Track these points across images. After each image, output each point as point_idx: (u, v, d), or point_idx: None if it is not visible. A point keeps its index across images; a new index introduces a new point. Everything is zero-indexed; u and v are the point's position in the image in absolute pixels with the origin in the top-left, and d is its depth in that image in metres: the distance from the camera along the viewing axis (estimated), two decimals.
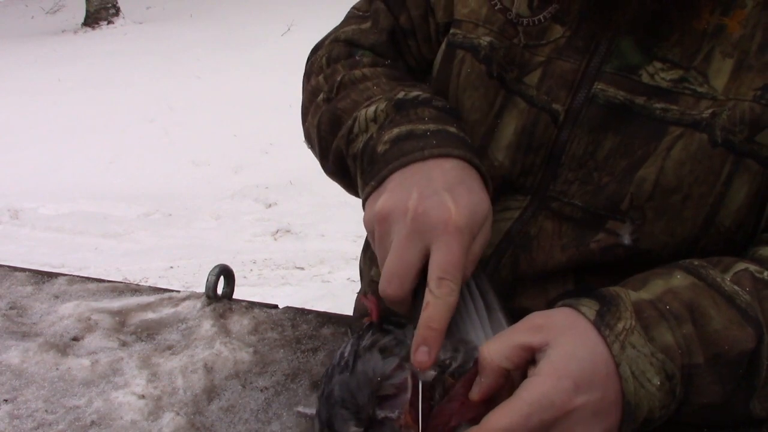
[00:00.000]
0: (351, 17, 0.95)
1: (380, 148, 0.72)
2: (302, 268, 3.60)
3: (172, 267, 3.62)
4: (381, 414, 0.58)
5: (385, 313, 0.67)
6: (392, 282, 0.64)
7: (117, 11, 9.93)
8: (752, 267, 0.66)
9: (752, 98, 0.71)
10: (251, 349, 0.82)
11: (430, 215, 0.64)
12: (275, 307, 0.93)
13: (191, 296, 0.94)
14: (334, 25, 0.98)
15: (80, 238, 4.12)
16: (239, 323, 0.87)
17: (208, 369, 0.78)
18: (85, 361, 0.80)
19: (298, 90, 0.96)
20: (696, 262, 0.67)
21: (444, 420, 0.58)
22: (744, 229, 0.75)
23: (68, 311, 0.89)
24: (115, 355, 0.81)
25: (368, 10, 0.93)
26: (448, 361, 0.61)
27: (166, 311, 0.92)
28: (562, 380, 0.55)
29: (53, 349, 0.82)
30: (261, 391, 0.75)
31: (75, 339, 0.85)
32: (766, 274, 0.66)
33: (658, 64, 0.73)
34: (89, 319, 0.88)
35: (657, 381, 0.59)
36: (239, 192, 4.66)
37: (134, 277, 3.43)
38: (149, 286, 1.00)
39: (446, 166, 0.69)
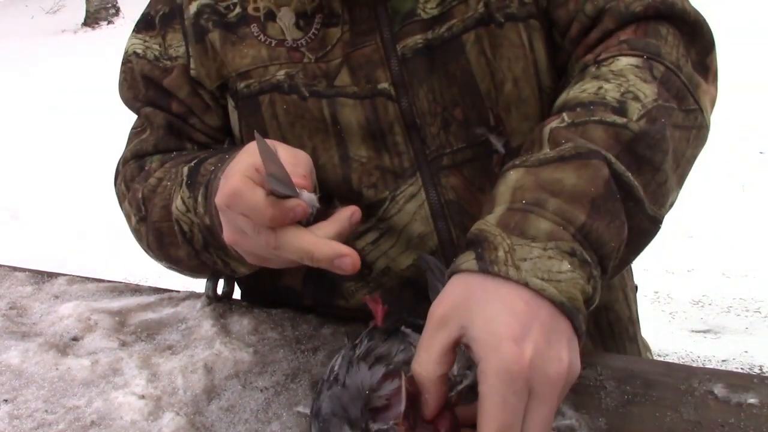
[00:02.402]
0: (131, 136, 0.95)
1: (207, 220, 0.74)
2: None
3: None
4: (374, 427, 0.58)
5: (389, 316, 0.67)
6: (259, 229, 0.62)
7: (117, 11, 9.94)
8: (553, 123, 0.70)
9: None
10: (251, 349, 0.82)
11: (224, 195, 0.63)
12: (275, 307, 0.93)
13: (191, 296, 0.94)
14: None
15: (80, 238, 4.12)
16: (239, 323, 0.87)
17: (208, 369, 0.78)
18: (85, 361, 0.80)
19: None
20: (514, 161, 0.69)
21: None
22: (556, 85, 0.83)
23: (68, 311, 0.89)
24: (115, 355, 0.81)
25: (143, 122, 0.93)
26: (458, 379, 0.60)
27: (166, 311, 0.92)
28: (501, 347, 0.54)
29: (53, 349, 0.82)
30: (261, 391, 0.75)
31: (75, 339, 0.85)
32: (564, 116, 0.71)
33: (422, 1, 0.81)
34: (89, 319, 0.88)
35: (566, 265, 0.58)
36: None
37: (134, 277, 3.43)
38: (149, 286, 1.00)
39: (238, 154, 0.68)
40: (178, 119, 0.90)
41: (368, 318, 0.68)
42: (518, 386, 0.53)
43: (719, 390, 0.70)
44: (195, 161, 0.80)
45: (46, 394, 0.75)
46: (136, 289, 0.98)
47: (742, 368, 2.43)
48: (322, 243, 0.62)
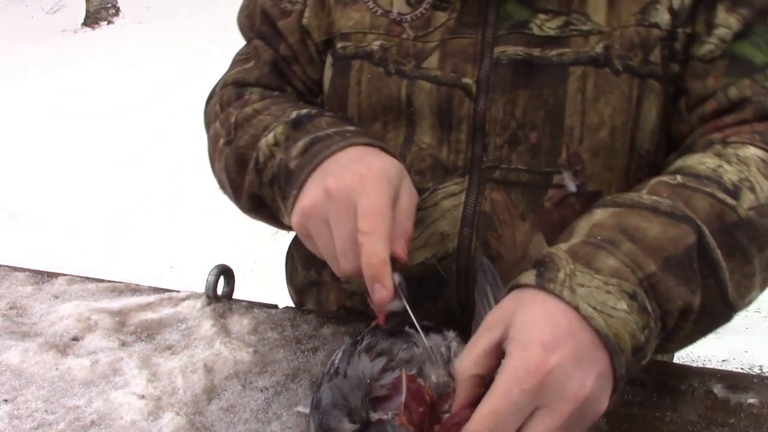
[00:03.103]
0: (235, 62, 0.98)
1: (292, 164, 0.76)
2: None
3: (172, 267, 3.62)
4: (375, 416, 0.58)
5: (392, 317, 0.67)
6: (346, 257, 0.66)
7: (117, 11, 9.93)
8: (664, 177, 0.70)
9: (635, 23, 0.78)
10: (251, 349, 0.82)
11: (347, 184, 0.67)
12: (275, 307, 0.93)
13: (191, 296, 0.94)
14: None
15: (80, 238, 4.12)
16: (239, 323, 0.87)
17: (208, 369, 0.78)
18: (85, 361, 0.80)
19: None
20: (609, 196, 0.69)
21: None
22: (661, 151, 0.81)
23: (68, 311, 0.89)
24: (115, 355, 0.81)
25: (249, 51, 0.96)
26: None
27: (166, 311, 0.92)
28: (528, 348, 0.55)
29: (53, 349, 0.82)
30: (261, 391, 0.75)
31: (75, 339, 0.85)
32: (678, 177, 0.69)
33: (543, 16, 0.80)
34: (89, 319, 0.88)
35: (623, 305, 0.58)
36: None
37: (134, 277, 3.43)
38: (149, 286, 1.00)
39: (352, 150, 0.73)
40: (284, 61, 0.92)
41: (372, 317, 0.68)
42: (528, 385, 0.53)
43: (719, 390, 0.70)
44: (307, 111, 0.82)
45: (46, 394, 0.75)
46: (136, 289, 0.98)
47: (742, 368, 2.43)
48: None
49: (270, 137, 0.80)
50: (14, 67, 8.02)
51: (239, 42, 0.98)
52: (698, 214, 0.65)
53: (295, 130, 0.79)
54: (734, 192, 0.68)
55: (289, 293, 1.09)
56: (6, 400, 0.74)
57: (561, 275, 0.59)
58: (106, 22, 9.81)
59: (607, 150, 0.79)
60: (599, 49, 0.78)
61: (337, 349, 0.66)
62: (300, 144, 0.76)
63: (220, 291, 0.93)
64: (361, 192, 0.66)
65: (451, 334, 0.65)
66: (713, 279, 0.64)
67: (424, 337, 0.64)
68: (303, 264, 1.00)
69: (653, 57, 0.78)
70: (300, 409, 0.71)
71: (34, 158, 5.43)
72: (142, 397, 0.74)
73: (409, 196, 0.71)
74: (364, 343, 0.64)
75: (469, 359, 0.58)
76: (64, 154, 5.48)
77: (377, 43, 0.84)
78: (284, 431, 0.69)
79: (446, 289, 0.84)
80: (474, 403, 0.56)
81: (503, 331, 0.57)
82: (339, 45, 0.87)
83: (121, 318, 0.90)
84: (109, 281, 1.01)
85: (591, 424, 0.57)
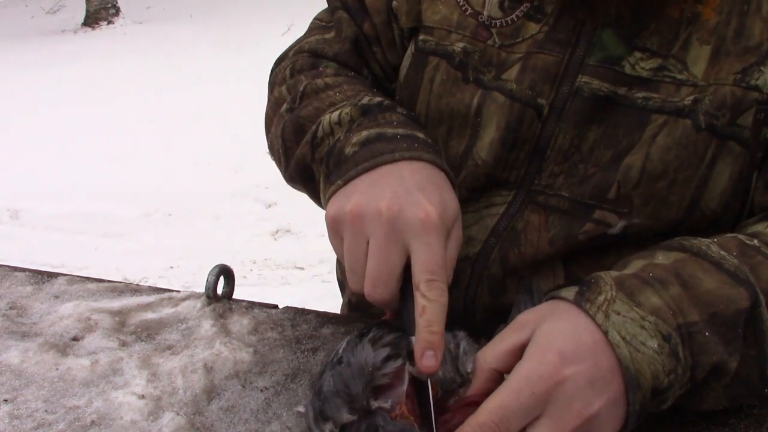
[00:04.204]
0: (314, 27, 0.95)
1: (348, 150, 0.73)
2: (302, 268, 3.60)
3: (172, 267, 3.62)
4: (375, 404, 0.58)
5: (399, 314, 0.67)
6: (378, 285, 0.65)
7: (117, 11, 9.93)
8: (741, 236, 0.67)
9: (732, 82, 0.72)
10: (251, 349, 0.82)
11: (406, 214, 0.64)
12: (275, 307, 0.93)
13: (191, 296, 0.94)
14: None
15: (80, 238, 4.12)
16: (239, 323, 0.87)
17: (208, 369, 0.78)
18: (85, 361, 0.80)
19: None
20: (678, 238, 0.67)
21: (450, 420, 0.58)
22: (730, 213, 0.76)
23: (68, 311, 0.89)
24: (115, 355, 0.81)
25: (331, 20, 0.93)
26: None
27: (166, 311, 0.92)
28: (547, 354, 0.55)
29: (53, 349, 0.82)
30: (261, 391, 0.75)
31: (75, 339, 0.85)
32: (756, 241, 0.66)
33: (638, 54, 0.74)
34: (89, 319, 0.88)
35: (654, 344, 0.57)
36: (239, 192, 4.66)
37: (134, 277, 3.43)
38: (149, 286, 1.00)
39: (416, 167, 0.69)
40: (366, 40, 0.90)
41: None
42: (539, 390, 0.54)
43: None
44: (380, 100, 0.79)
45: (46, 394, 0.75)
46: (136, 289, 0.98)
47: None
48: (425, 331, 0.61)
49: (335, 115, 0.78)
50: (14, 66, 8.02)
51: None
52: (760, 283, 0.63)
53: (362, 116, 0.76)
54: None
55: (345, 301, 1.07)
56: (6, 400, 0.74)
57: (600, 298, 0.59)
58: (106, 22, 9.81)
59: (660, 201, 0.75)
60: (688, 101, 0.73)
61: (342, 340, 0.66)
62: (364, 134, 0.73)
63: (220, 291, 0.93)
64: (421, 238, 0.63)
65: (461, 333, 0.65)
66: (755, 350, 0.62)
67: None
68: None
69: (742, 120, 0.72)
70: (300, 409, 0.71)
71: (34, 158, 5.43)
72: (142, 397, 0.74)
73: (457, 244, 0.68)
74: (371, 335, 0.64)
75: (492, 352, 0.59)
76: (63, 154, 5.48)
77: (460, 44, 0.81)
78: (284, 431, 0.69)
79: (455, 291, 0.83)
80: (486, 395, 0.57)
81: (530, 333, 0.58)
82: (421, 37, 0.83)
83: (121, 318, 0.90)
84: (109, 281, 1.01)
85: None
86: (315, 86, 0.84)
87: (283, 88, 0.89)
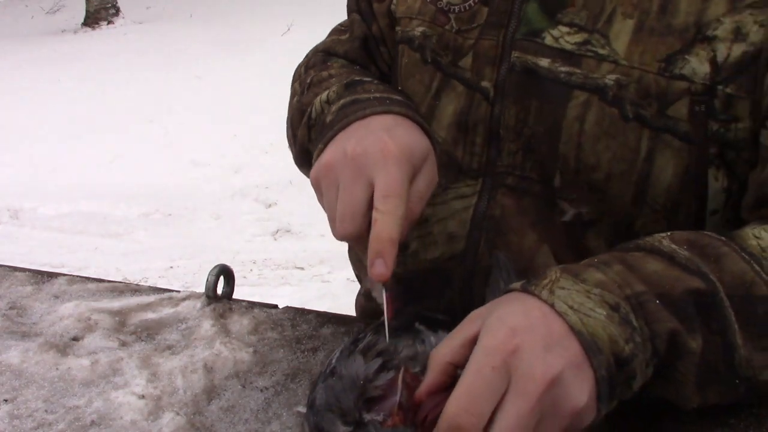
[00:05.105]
0: (333, 31, 1.02)
1: (328, 119, 0.78)
2: (302, 268, 3.60)
3: (172, 267, 3.62)
4: (367, 417, 0.58)
5: (400, 313, 0.67)
6: (344, 220, 0.67)
7: (117, 11, 9.93)
8: (708, 232, 0.66)
9: (657, 70, 0.71)
10: (251, 349, 0.82)
11: (368, 151, 0.67)
12: (275, 307, 0.93)
13: (191, 296, 0.94)
14: (334, 24, 1.05)
15: (80, 238, 4.12)
16: (239, 323, 0.87)
17: (208, 369, 0.78)
18: (85, 361, 0.80)
19: None
20: (635, 240, 0.66)
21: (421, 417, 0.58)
22: (683, 210, 0.74)
23: (68, 311, 0.89)
24: (115, 355, 0.81)
25: (346, 25, 1.00)
26: None
27: (166, 311, 0.92)
28: (498, 330, 0.55)
29: (53, 349, 0.82)
30: (261, 391, 0.75)
31: (75, 339, 0.85)
32: (724, 238, 0.65)
33: (564, 29, 0.75)
34: (89, 319, 0.88)
35: (602, 311, 0.57)
36: (239, 192, 4.66)
37: (134, 277, 3.42)
38: (149, 286, 1.00)
39: (385, 118, 0.73)
40: (374, 40, 0.96)
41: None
42: (497, 362, 0.53)
43: None
44: (369, 79, 0.85)
45: (46, 394, 0.75)
46: (136, 289, 0.98)
47: None
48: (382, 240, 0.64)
49: (324, 95, 0.83)
50: (14, 66, 8.02)
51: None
52: (723, 274, 0.62)
53: (345, 90, 0.81)
54: None
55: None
56: (6, 400, 0.74)
57: (545, 281, 0.59)
58: (106, 22, 9.81)
59: (603, 193, 0.75)
60: (609, 80, 0.72)
61: (336, 349, 0.66)
62: (341, 102, 0.78)
63: (220, 291, 0.93)
64: (381, 166, 0.66)
65: (443, 333, 0.65)
66: (720, 337, 0.61)
67: (431, 335, 0.64)
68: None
69: (673, 111, 0.71)
70: (300, 409, 0.71)
71: (34, 158, 5.43)
72: (142, 397, 0.74)
73: (427, 180, 0.70)
74: (364, 342, 0.64)
75: (446, 346, 0.58)
76: (63, 154, 5.48)
77: (420, 29, 0.85)
78: (284, 431, 0.69)
79: (449, 291, 0.84)
80: (441, 389, 0.57)
81: (481, 324, 0.57)
82: (397, 29, 0.89)
83: (121, 318, 0.90)
84: (109, 281, 1.01)
85: (572, 427, 0.55)
86: (320, 77, 0.90)
87: (297, 83, 0.96)
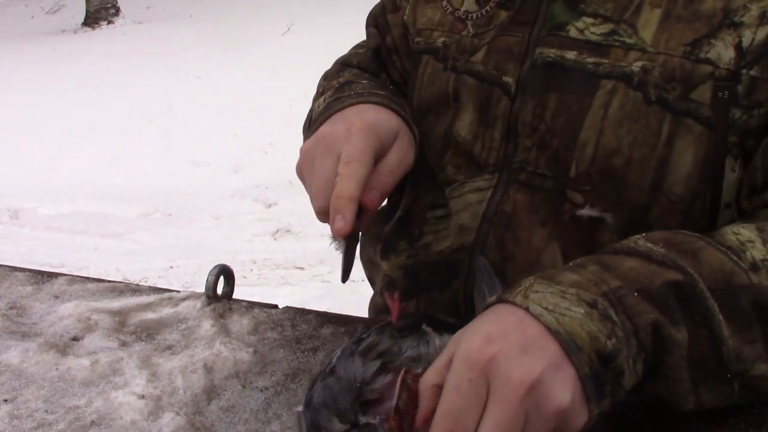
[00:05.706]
0: (354, 46, 1.08)
1: (315, 117, 0.84)
2: (302, 268, 3.60)
3: (172, 267, 3.62)
4: (363, 420, 0.58)
5: (404, 316, 0.67)
6: (318, 196, 0.72)
7: (117, 11, 9.92)
8: (685, 231, 0.66)
9: (682, 54, 0.72)
10: (251, 349, 0.82)
11: (335, 130, 0.74)
12: (275, 307, 0.93)
13: (191, 296, 0.94)
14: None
15: (80, 238, 4.12)
16: (239, 323, 0.87)
17: (208, 369, 0.78)
18: (85, 361, 0.80)
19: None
20: (612, 244, 0.66)
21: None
22: (700, 200, 0.74)
23: (68, 311, 0.89)
24: (115, 355, 0.81)
25: (367, 38, 1.05)
26: None
27: (166, 311, 0.92)
28: (473, 340, 0.55)
29: (53, 349, 0.82)
30: (261, 391, 0.75)
31: (75, 339, 0.85)
32: (699, 235, 0.65)
33: (588, 20, 0.77)
34: (89, 319, 0.88)
35: (579, 309, 0.57)
36: (239, 192, 4.66)
37: (134, 277, 3.42)
38: (149, 286, 1.00)
39: (361, 107, 0.80)
40: (387, 51, 1.00)
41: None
42: (474, 374, 0.53)
43: None
44: (364, 81, 0.90)
45: (46, 394, 0.75)
46: (136, 289, 0.98)
47: None
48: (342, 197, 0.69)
49: (321, 99, 0.89)
50: (14, 66, 8.02)
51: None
52: (702, 267, 0.61)
53: (335, 92, 0.87)
54: (754, 266, 0.63)
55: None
56: (6, 400, 0.74)
57: (519, 288, 0.59)
58: (106, 22, 9.80)
59: (619, 179, 0.74)
60: (636, 67, 0.73)
61: (337, 348, 0.66)
62: (328, 101, 0.84)
63: (220, 291, 0.93)
64: (346, 139, 0.72)
65: (447, 336, 0.65)
66: (706, 329, 0.60)
67: (436, 337, 0.64)
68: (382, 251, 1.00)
69: (696, 95, 0.71)
70: (300, 409, 0.71)
71: (34, 158, 5.43)
72: (142, 397, 0.74)
73: (399, 155, 0.76)
74: (366, 342, 0.64)
75: (431, 369, 0.58)
76: (63, 154, 5.48)
77: (441, 40, 0.89)
78: (284, 431, 0.69)
79: (456, 282, 0.85)
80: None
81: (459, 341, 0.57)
82: (415, 40, 0.93)
83: (121, 318, 0.90)
84: (109, 281, 1.01)
85: (561, 429, 0.55)
86: (330, 85, 0.94)
87: (317, 93, 0.99)
